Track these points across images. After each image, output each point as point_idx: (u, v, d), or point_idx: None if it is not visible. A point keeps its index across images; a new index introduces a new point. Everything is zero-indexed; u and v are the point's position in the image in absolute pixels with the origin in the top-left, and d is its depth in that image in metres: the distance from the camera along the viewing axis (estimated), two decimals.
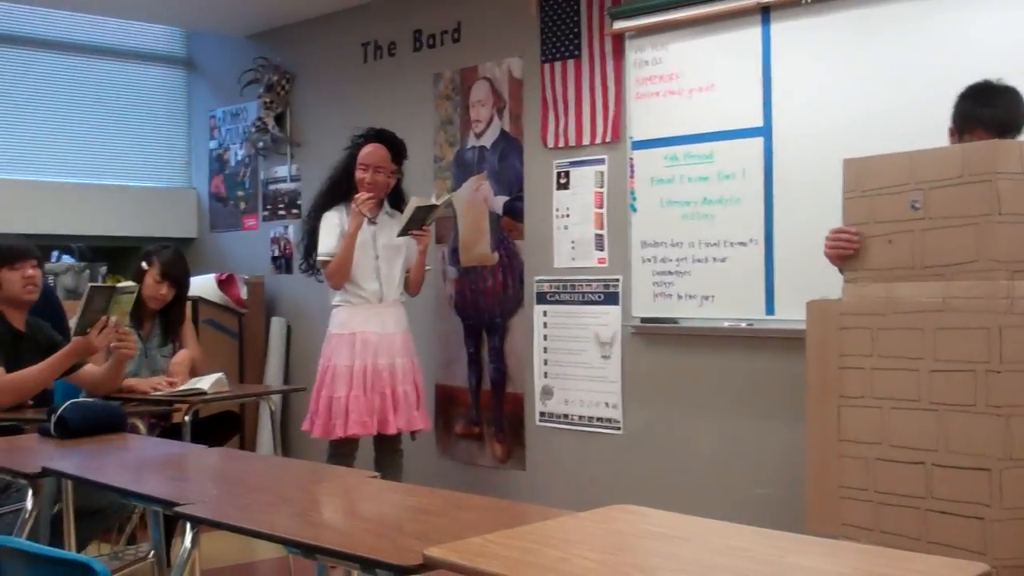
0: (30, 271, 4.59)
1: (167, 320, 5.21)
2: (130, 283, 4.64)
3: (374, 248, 5.49)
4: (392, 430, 5.39)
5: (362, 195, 5.38)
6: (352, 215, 5.40)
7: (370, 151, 5.51)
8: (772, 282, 4.75)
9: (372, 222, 5.48)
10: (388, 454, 5.56)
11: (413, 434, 5.57)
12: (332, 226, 5.48)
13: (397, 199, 5.64)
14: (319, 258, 5.52)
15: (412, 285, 5.62)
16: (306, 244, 5.67)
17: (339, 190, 5.56)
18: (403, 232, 5.34)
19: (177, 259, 5.21)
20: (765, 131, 4.79)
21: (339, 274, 5.44)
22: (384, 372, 5.39)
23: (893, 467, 3.36)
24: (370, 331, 5.42)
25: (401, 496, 2.77)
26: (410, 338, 5.58)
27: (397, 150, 5.62)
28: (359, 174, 5.48)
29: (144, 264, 5.12)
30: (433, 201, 5.38)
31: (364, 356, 5.38)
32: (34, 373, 4.44)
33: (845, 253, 3.59)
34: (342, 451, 5.42)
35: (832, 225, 3.83)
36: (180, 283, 5.19)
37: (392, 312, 5.51)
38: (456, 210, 6.07)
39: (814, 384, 3.63)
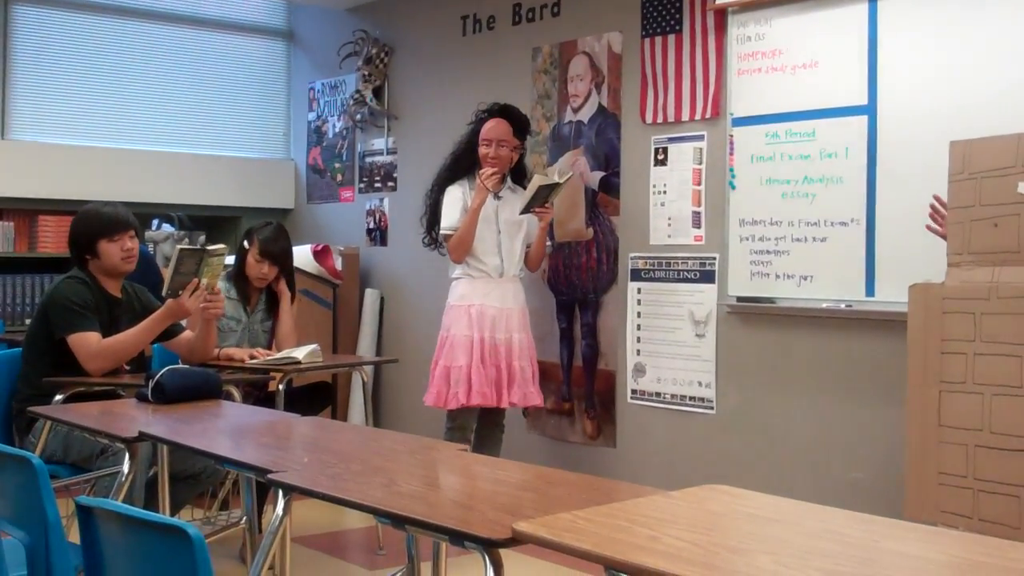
0: (128, 243, 4.63)
1: (272, 296, 5.27)
2: (220, 245, 4.69)
3: (496, 223, 5.48)
4: (505, 404, 5.39)
5: (487, 170, 5.39)
6: (477, 190, 5.41)
7: (493, 126, 5.50)
8: (873, 263, 4.66)
9: (497, 197, 5.47)
10: (490, 428, 5.57)
11: (526, 410, 5.54)
12: (455, 200, 5.48)
13: (520, 174, 5.63)
14: (442, 232, 5.53)
15: (532, 261, 5.63)
16: (428, 218, 5.67)
17: (462, 165, 5.56)
18: (525, 210, 5.32)
19: (277, 237, 5.22)
20: (869, 110, 4.69)
21: (461, 248, 5.45)
22: (501, 346, 5.39)
23: (993, 454, 3.29)
24: (489, 305, 5.42)
25: (491, 470, 2.77)
26: (527, 314, 5.57)
27: (520, 125, 5.60)
28: (483, 149, 5.47)
29: (246, 243, 5.17)
30: (556, 179, 5.32)
31: (482, 328, 5.39)
32: (129, 337, 4.50)
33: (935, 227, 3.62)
34: (459, 422, 5.44)
35: None
36: (280, 261, 5.22)
37: (511, 287, 5.51)
38: None
39: (915, 369, 3.56)
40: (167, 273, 4.49)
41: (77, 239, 4.62)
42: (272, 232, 5.22)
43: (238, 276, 5.18)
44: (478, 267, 5.49)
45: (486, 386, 5.33)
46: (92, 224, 4.61)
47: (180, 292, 4.46)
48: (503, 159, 5.47)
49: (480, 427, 5.57)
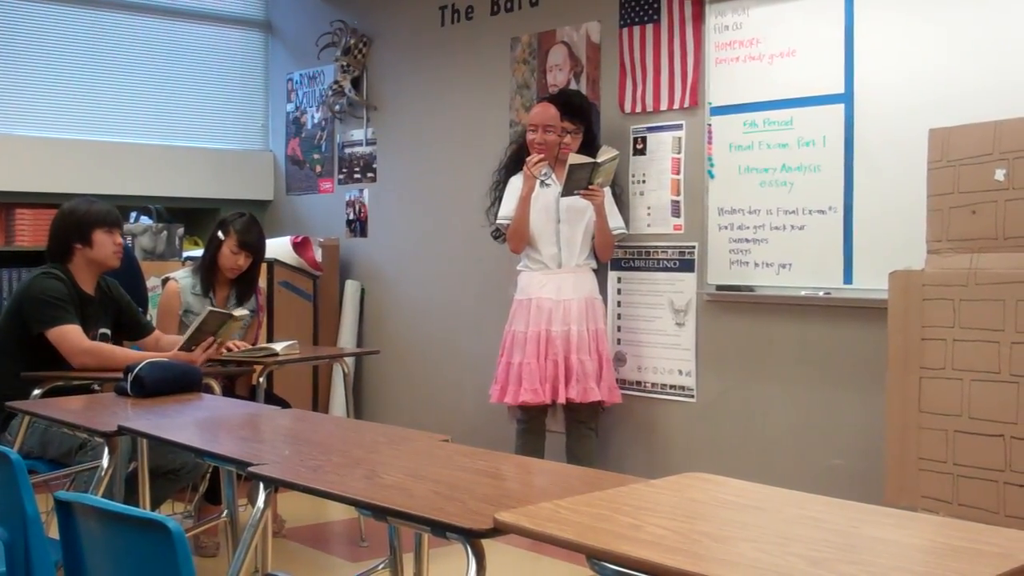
0: (119, 239, 4.63)
1: (242, 286, 5.21)
2: (244, 312, 4.78)
3: (556, 211, 5.35)
4: (562, 399, 5.25)
5: (532, 157, 5.26)
6: (524, 178, 5.30)
7: (537, 111, 5.42)
8: (851, 251, 4.68)
9: (544, 184, 5.35)
10: (575, 426, 5.44)
11: (602, 406, 5.42)
12: (514, 190, 5.38)
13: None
14: (497, 221, 5.47)
15: (597, 250, 5.44)
16: (494, 210, 5.58)
17: (522, 154, 5.43)
18: (565, 193, 5.14)
19: (252, 227, 5.14)
20: (846, 98, 4.71)
21: (515, 238, 5.36)
22: (558, 339, 5.24)
23: (972, 439, 3.30)
24: (545, 297, 5.29)
25: (472, 460, 2.76)
26: (596, 305, 5.39)
27: (573, 108, 5.47)
28: (529, 135, 5.37)
29: (220, 234, 5.08)
30: (591, 159, 5.10)
31: (539, 322, 5.27)
32: (120, 352, 4.47)
33: None
34: (523, 418, 5.41)
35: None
36: (257, 250, 5.17)
37: (571, 278, 5.35)
38: None
39: (895, 355, 3.58)
40: (189, 329, 4.51)
41: (72, 225, 4.55)
42: (248, 223, 5.14)
43: (207, 269, 5.12)
44: (536, 258, 5.39)
45: (538, 383, 5.21)
46: (91, 212, 4.58)
47: (194, 347, 4.47)
48: (550, 144, 5.33)
49: (568, 426, 5.48)
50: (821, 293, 4.82)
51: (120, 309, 4.73)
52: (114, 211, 4.68)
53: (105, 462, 3.35)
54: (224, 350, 4.78)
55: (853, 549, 1.90)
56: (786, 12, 4.93)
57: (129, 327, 4.79)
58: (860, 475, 4.62)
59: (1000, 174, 3.29)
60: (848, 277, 4.71)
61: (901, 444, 3.54)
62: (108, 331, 4.64)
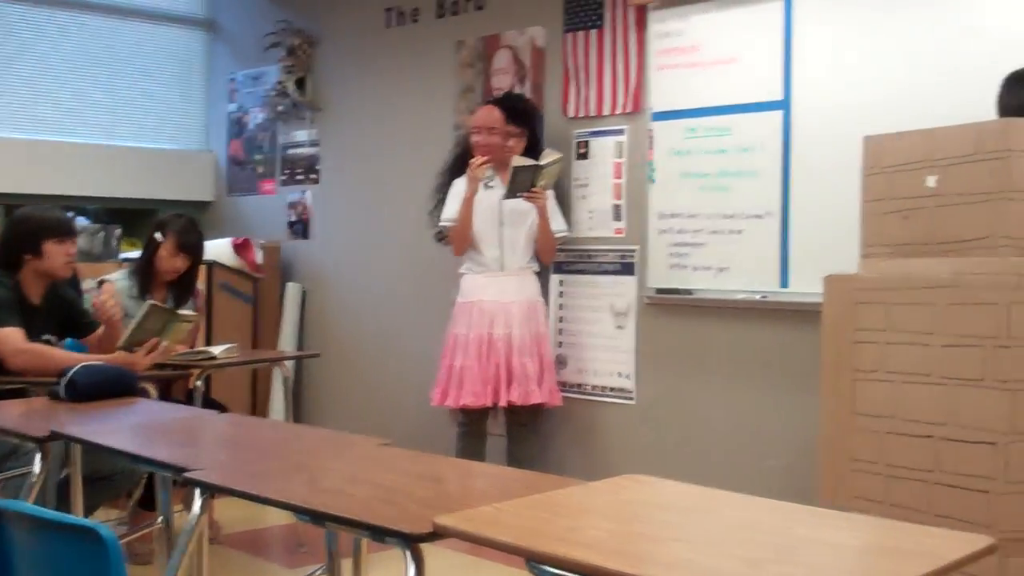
0: (72, 248, 4.57)
1: (180, 288, 5.15)
2: (191, 313, 4.70)
3: (499, 213, 5.34)
4: (503, 402, 5.24)
5: (476, 159, 5.26)
6: (467, 180, 5.29)
7: (480, 114, 5.43)
8: (787, 255, 4.73)
9: (487, 186, 5.35)
10: (516, 428, 5.45)
11: (543, 409, 5.42)
12: (458, 192, 5.37)
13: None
14: (440, 223, 5.46)
15: (539, 252, 5.44)
16: (437, 212, 5.56)
17: (466, 157, 5.42)
18: (509, 195, 5.14)
19: (191, 228, 5.09)
20: (784, 105, 4.76)
21: (458, 240, 5.36)
22: (499, 342, 5.24)
23: (903, 440, 3.35)
24: (487, 299, 5.30)
25: (411, 464, 2.76)
26: (538, 307, 5.40)
27: (515, 111, 5.47)
28: (472, 138, 5.38)
29: (158, 235, 5.01)
30: (536, 161, 5.11)
31: (480, 325, 5.27)
32: (61, 355, 4.40)
33: None
34: (464, 421, 5.40)
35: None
36: (196, 252, 5.12)
37: (514, 280, 5.36)
38: None
39: (829, 358, 3.62)
40: (129, 325, 4.42)
41: (23, 235, 4.49)
42: (186, 224, 5.08)
43: (144, 271, 5.06)
44: (478, 260, 5.39)
45: (479, 385, 5.20)
46: (43, 223, 4.50)
47: (135, 348, 4.39)
48: (493, 147, 5.33)
49: (508, 429, 5.49)
50: (758, 296, 4.86)
51: (67, 306, 4.68)
52: (67, 220, 4.62)
53: (37, 468, 3.29)
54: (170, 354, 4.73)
55: (789, 550, 1.93)
56: (726, 20, 4.97)
57: (77, 325, 4.75)
58: (796, 475, 4.66)
59: (931, 181, 3.35)
60: (784, 281, 4.76)
61: (834, 445, 3.58)
62: (52, 337, 4.58)
